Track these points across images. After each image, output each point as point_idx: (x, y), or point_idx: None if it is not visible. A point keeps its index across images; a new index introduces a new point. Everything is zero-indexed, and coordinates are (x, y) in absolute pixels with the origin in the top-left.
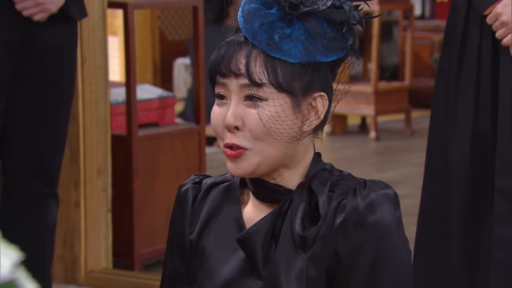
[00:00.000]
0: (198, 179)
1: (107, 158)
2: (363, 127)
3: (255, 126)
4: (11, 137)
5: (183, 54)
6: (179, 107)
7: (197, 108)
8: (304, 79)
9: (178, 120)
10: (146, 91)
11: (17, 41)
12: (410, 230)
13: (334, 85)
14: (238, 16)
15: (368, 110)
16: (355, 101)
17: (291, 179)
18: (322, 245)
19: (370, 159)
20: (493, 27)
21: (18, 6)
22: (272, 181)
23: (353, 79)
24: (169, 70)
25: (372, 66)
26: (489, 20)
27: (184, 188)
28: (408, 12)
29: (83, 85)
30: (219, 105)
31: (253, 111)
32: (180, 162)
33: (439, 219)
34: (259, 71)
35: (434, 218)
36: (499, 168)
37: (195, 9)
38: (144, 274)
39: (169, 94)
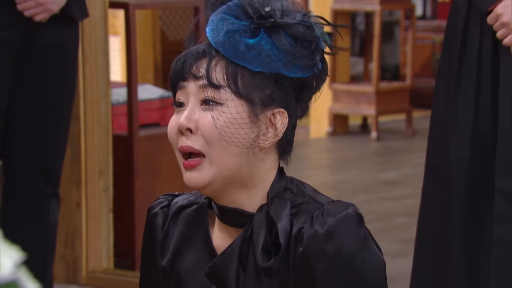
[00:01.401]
0: (166, 202)
1: (108, 158)
2: (364, 127)
3: (208, 129)
4: (13, 137)
5: None
6: None
7: None
8: (264, 91)
9: None
10: (148, 91)
11: (18, 42)
12: (411, 230)
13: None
14: (207, 26)
15: (369, 110)
16: (356, 101)
17: (253, 201)
18: (287, 275)
19: (371, 159)
20: (494, 27)
21: (20, 7)
22: (232, 205)
23: (355, 79)
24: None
25: (373, 66)
26: (489, 20)
27: (152, 212)
28: (409, 12)
29: (84, 85)
30: (177, 113)
31: (207, 114)
32: None
33: (439, 219)
34: (219, 76)
35: (434, 218)
36: (499, 167)
37: (196, 9)
38: None
39: (170, 94)
